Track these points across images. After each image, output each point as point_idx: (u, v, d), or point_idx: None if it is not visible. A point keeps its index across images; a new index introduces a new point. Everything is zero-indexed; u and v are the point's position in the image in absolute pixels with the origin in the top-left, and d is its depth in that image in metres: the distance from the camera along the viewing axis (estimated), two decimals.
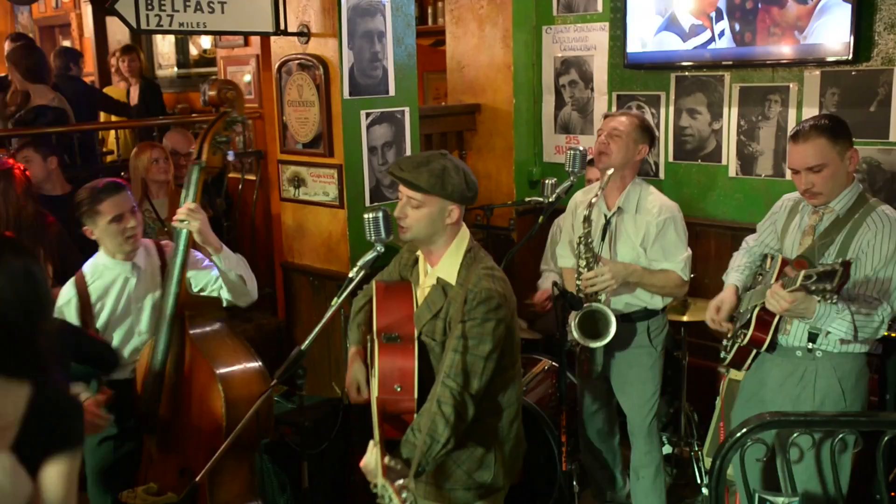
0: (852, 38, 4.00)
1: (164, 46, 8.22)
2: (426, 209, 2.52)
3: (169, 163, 4.51)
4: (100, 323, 3.18)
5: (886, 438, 2.47)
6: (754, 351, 3.04)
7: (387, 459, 2.26)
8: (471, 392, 2.44)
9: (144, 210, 4.45)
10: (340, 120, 4.08)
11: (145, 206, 4.45)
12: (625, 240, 3.49)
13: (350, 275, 2.54)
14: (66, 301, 3.16)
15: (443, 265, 2.59)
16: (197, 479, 2.53)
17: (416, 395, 2.46)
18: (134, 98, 6.49)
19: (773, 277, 2.93)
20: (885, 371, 3.20)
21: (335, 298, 2.53)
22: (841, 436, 2.59)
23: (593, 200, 3.43)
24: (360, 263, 2.53)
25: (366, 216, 2.55)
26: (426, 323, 2.57)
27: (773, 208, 3.21)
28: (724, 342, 3.22)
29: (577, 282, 3.47)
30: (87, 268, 3.23)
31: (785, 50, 4.24)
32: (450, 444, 2.43)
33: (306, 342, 2.53)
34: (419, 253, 2.72)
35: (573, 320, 3.37)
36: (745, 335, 2.99)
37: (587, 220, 3.43)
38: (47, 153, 4.31)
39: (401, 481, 2.04)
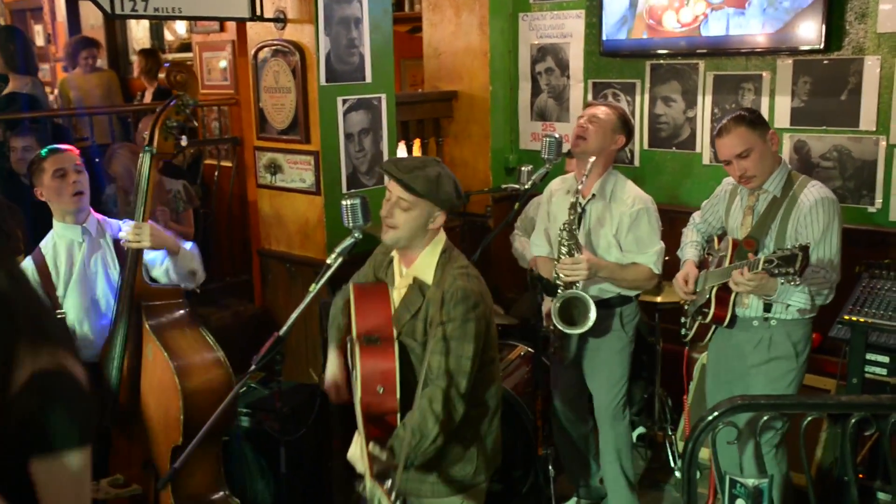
0: (824, 27, 4.06)
1: (139, 32, 8.15)
2: (415, 212, 2.54)
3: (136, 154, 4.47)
4: (59, 290, 3.17)
5: (853, 421, 2.52)
6: (714, 326, 3.33)
7: (371, 446, 2.29)
8: (460, 392, 2.47)
9: (130, 201, 4.42)
10: (317, 106, 4.07)
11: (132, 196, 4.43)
12: (597, 227, 3.51)
13: (328, 261, 2.54)
14: (24, 269, 3.17)
15: (418, 265, 2.62)
16: (176, 464, 2.53)
17: (398, 396, 2.47)
18: (147, 100, 6.42)
19: (728, 258, 3.19)
20: (851, 355, 3.26)
21: (313, 285, 2.53)
22: (810, 418, 2.64)
23: (579, 187, 3.44)
24: (337, 250, 2.54)
25: (343, 203, 2.55)
26: (405, 324, 2.59)
27: (715, 191, 3.49)
28: (683, 320, 3.50)
29: (555, 267, 3.49)
30: (44, 239, 3.24)
31: (758, 39, 4.29)
32: (438, 441, 2.45)
33: (284, 328, 2.53)
34: (394, 254, 2.73)
35: (554, 306, 3.39)
36: (706, 314, 3.27)
37: (574, 206, 3.44)
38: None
39: (388, 482, 2.07)
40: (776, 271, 2.75)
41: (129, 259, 3.03)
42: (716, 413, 2.60)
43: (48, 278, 3.15)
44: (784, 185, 3.15)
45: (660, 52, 4.67)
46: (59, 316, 3.13)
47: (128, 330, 3.01)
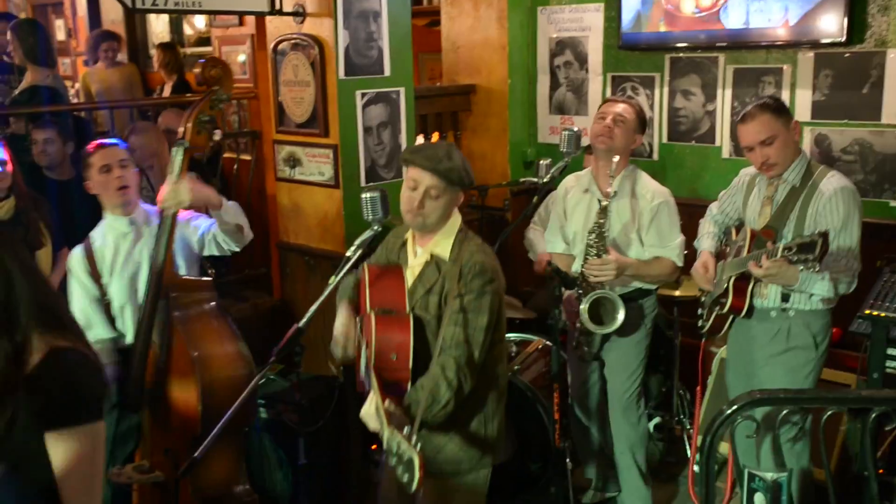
0: (846, 20, 4.03)
1: (159, 26, 8.18)
2: (445, 199, 2.58)
3: (146, 151, 4.48)
4: (105, 278, 3.26)
5: (874, 415, 2.50)
6: (731, 317, 3.32)
7: (387, 403, 2.35)
8: (473, 362, 2.52)
9: (142, 188, 4.45)
10: (336, 100, 4.09)
11: (143, 183, 4.45)
12: (619, 225, 3.52)
13: (347, 254, 2.57)
14: (75, 257, 3.28)
15: (436, 243, 2.64)
16: (196, 454, 2.56)
17: (410, 366, 2.52)
18: (166, 93, 6.46)
19: (746, 249, 3.17)
20: (872, 350, 3.24)
21: (332, 277, 2.56)
22: (830, 412, 2.62)
23: (609, 189, 3.44)
24: (357, 242, 2.56)
25: (363, 196, 2.57)
26: (419, 298, 2.62)
27: (732, 183, 3.48)
28: (700, 311, 3.49)
29: (582, 266, 3.51)
30: (95, 229, 3.34)
31: (779, 31, 4.26)
32: (449, 407, 2.50)
33: (304, 320, 2.56)
34: (408, 236, 2.75)
35: (583, 306, 3.42)
36: (723, 304, 3.26)
37: (604, 210, 3.45)
38: (67, 138, 4.35)
39: (407, 429, 2.12)
40: (795, 258, 2.75)
41: (161, 248, 3.03)
42: (734, 407, 2.59)
43: (94, 266, 3.24)
44: (804, 175, 3.15)
45: (679, 45, 4.65)
46: (105, 303, 3.24)
47: (154, 316, 3.04)
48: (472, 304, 2.52)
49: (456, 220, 2.67)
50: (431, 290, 2.61)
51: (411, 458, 2.08)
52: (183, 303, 3.07)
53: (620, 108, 3.52)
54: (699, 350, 4.20)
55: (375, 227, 2.58)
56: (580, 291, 3.51)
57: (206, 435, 2.63)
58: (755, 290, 3.21)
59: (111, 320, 3.27)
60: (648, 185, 3.54)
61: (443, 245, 2.63)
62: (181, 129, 3.12)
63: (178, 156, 3.04)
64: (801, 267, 2.84)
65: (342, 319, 2.80)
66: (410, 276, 2.68)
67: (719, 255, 3.43)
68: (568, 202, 3.67)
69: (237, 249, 3.31)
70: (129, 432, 3.22)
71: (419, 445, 2.11)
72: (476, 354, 2.53)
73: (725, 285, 3.26)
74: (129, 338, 3.23)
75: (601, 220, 3.45)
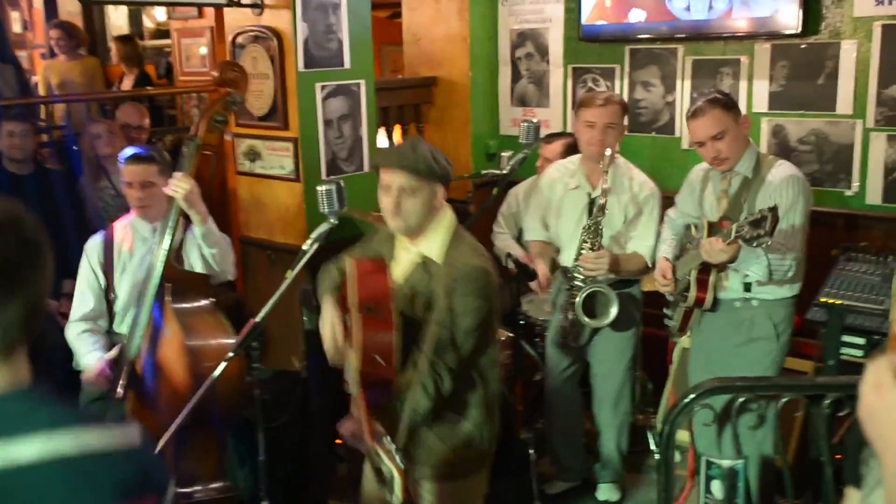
0: (801, 11, 4.07)
1: (118, 19, 8.08)
2: (422, 195, 2.46)
3: (114, 136, 4.46)
4: (116, 273, 3.28)
5: (828, 402, 2.54)
6: (697, 311, 3.35)
7: (374, 423, 2.28)
8: (449, 365, 2.43)
9: (103, 187, 4.40)
10: (295, 93, 4.05)
11: (104, 183, 4.40)
12: (608, 220, 3.54)
13: (303, 247, 2.55)
14: (92, 244, 3.31)
15: (426, 241, 2.54)
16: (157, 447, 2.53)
17: (395, 367, 2.42)
18: (127, 86, 6.37)
19: (705, 237, 3.17)
20: (827, 337, 3.29)
21: (289, 271, 2.55)
22: (786, 399, 2.66)
23: (604, 186, 3.44)
24: (313, 236, 2.55)
25: (319, 189, 2.56)
26: (406, 298, 2.54)
27: (686, 181, 3.51)
28: (667, 311, 3.51)
29: (575, 260, 3.53)
30: (120, 221, 3.38)
31: (737, 23, 4.30)
32: (428, 416, 2.46)
33: (261, 314, 2.55)
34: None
35: (578, 300, 3.45)
36: (686, 297, 3.28)
37: (602, 209, 3.45)
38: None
39: (388, 443, 2.09)
40: (748, 236, 2.78)
41: (167, 237, 3.06)
42: (692, 395, 2.62)
43: (110, 260, 3.28)
44: (754, 167, 3.21)
45: (639, 36, 4.67)
46: (109, 298, 3.28)
47: (153, 307, 3.06)
48: (460, 306, 2.43)
49: (446, 217, 2.56)
50: (418, 291, 2.53)
51: (392, 474, 2.05)
52: (181, 293, 3.09)
53: (607, 113, 3.46)
54: (661, 340, 4.24)
55: (332, 220, 2.56)
56: (571, 284, 3.54)
57: (194, 425, 2.66)
58: (717, 283, 3.24)
59: (111, 316, 3.29)
60: (636, 178, 3.59)
61: (434, 246, 2.53)
62: (194, 127, 3.17)
63: (188, 150, 3.09)
64: (755, 245, 2.84)
65: (328, 317, 2.66)
66: (399, 272, 2.59)
67: (680, 257, 3.46)
68: (553, 193, 3.68)
69: (213, 282, 3.29)
70: (115, 421, 3.18)
71: (400, 460, 2.05)
72: (455, 357, 2.44)
73: (688, 279, 3.29)
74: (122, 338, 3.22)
75: (599, 217, 3.46)
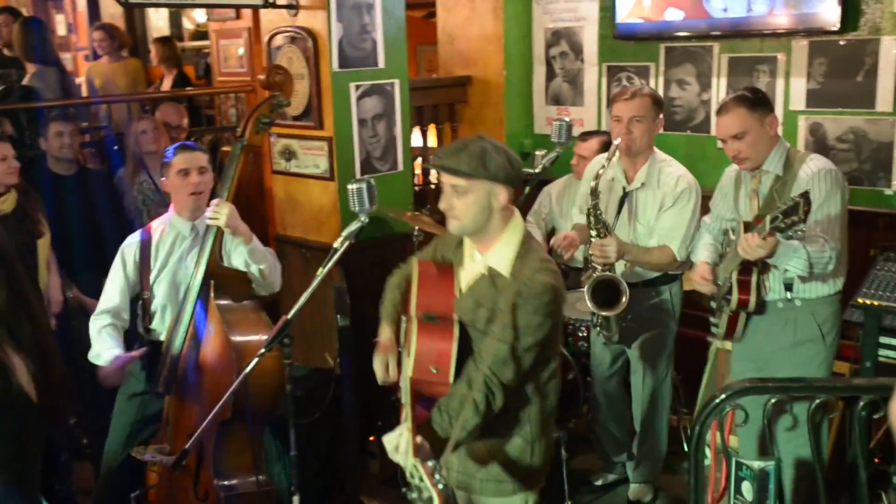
0: (840, 7, 4.01)
1: (159, 21, 8.21)
2: (472, 195, 2.37)
3: (159, 133, 4.54)
4: (153, 273, 3.31)
5: (862, 403, 2.51)
6: (743, 315, 3.19)
7: (418, 439, 2.22)
8: (504, 382, 2.34)
9: (142, 181, 4.49)
10: (330, 92, 4.09)
11: (143, 177, 4.49)
12: (642, 215, 3.53)
13: (334, 245, 2.57)
14: (130, 244, 3.33)
15: (495, 253, 2.44)
16: (187, 446, 2.58)
17: (451, 380, 2.33)
18: (166, 87, 6.49)
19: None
20: (864, 338, 3.24)
21: (320, 268, 2.57)
22: (819, 400, 2.63)
23: (600, 172, 3.44)
24: (344, 234, 2.57)
25: (350, 187, 2.58)
26: (468, 309, 2.45)
27: (719, 183, 3.42)
28: (713, 319, 3.37)
29: (589, 250, 3.52)
30: (157, 220, 3.41)
31: (774, 20, 4.25)
32: (476, 432, 2.36)
33: (292, 311, 2.58)
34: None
35: (587, 290, 3.43)
36: (730, 300, 3.15)
37: (594, 192, 3.44)
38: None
39: (431, 463, 1.97)
40: (782, 225, 2.70)
41: (207, 251, 3.12)
42: (723, 396, 2.60)
43: (147, 260, 3.30)
44: (785, 164, 3.13)
45: (674, 34, 4.64)
46: (144, 297, 3.29)
47: (196, 304, 3.11)
48: (522, 321, 2.33)
49: (516, 228, 2.46)
50: (482, 304, 2.43)
51: (431, 497, 1.95)
52: (224, 290, 3.14)
53: (635, 106, 3.43)
54: (695, 340, 4.21)
55: (363, 219, 2.58)
56: (589, 273, 3.53)
57: (232, 419, 2.74)
58: (760, 284, 3.11)
59: (150, 316, 3.31)
60: (674, 172, 3.53)
61: (503, 258, 2.43)
62: (240, 128, 3.24)
63: (236, 151, 3.17)
64: (790, 232, 2.78)
65: (382, 349, 2.60)
66: (464, 280, 2.52)
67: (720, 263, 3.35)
68: (598, 186, 3.66)
69: (264, 294, 3.32)
70: (154, 416, 3.28)
71: (442, 484, 1.95)
72: (511, 374, 2.35)
73: (729, 283, 3.17)
74: (160, 335, 3.28)
75: (595, 201, 3.43)
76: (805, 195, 2.66)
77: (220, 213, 3.08)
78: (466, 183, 2.36)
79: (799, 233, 2.78)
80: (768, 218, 2.76)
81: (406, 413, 2.32)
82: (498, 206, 2.40)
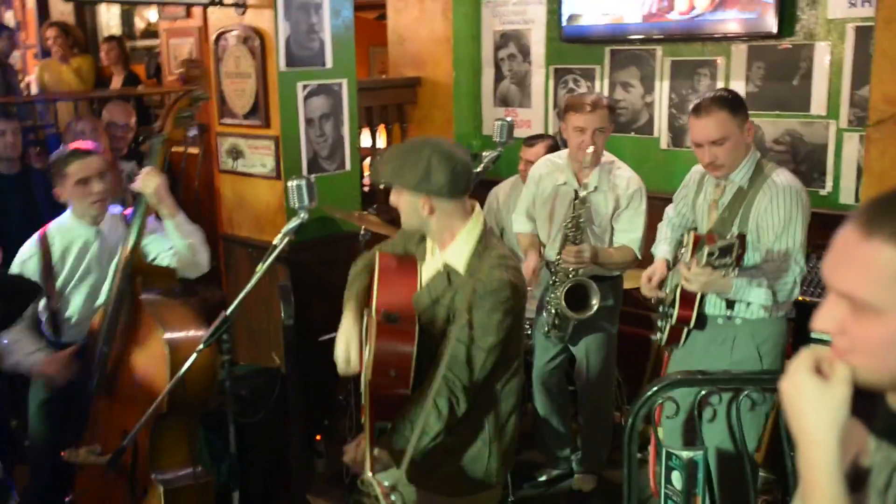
0: (777, 13, 4.12)
1: (111, 19, 8.11)
2: (404, 199, 2.35)
3: (98, 134, 4.49)
4: (59, 282, 3.20)
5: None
6: (685, 328, 3.09)
7: (375, 451, 2.19)
8: (467, 385, 2.30)
9: None
10: (277, 91, 4.10)
11: None
12: (596, 217, 3.60)
13: (274, 242, 2.59)
14: (28, 256, 3.19)
15: (452, 251, 2.39)
16: (124, 442, 2.58)
17: (410, 383, 2.29)
18: (115, 86, 6.42)
19: (689, 254, 2.95)
20: (797, 334, 3.34)
21: (259, 265, 2.58)
22: (746, 393, 2.71)
23: (585, 182, 3.53)
24: (283, 231, 2.58)
25: (289, 183, 2.60)
26: (425, 308, 2.41)
27: (683, 180, 3.30)
28: (659, 323, 3.31)
29: (558, 254, 3.57)
30: (52, 226, 3.26)
31: (715, 25, 4.35)
32: (439, 438, 2.32)
33: (230, 308, 2.58)
34: None
35: (560, 293, 3.49)
36: (672, 315, 3.07)
37: (583, 201, 3.48)
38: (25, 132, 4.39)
39: (388, 483, 1.93)
40: (716, 264, 2.61)
41: (133, 232, 3.04)
42: (655, 388, 2.67)
43: (49, 269, 3.18)
44: (752, 176, 2.93)
45: (619, 38, 4.72)
46: (53, 307, 3.18)
47: (122, 302, 3.04)
48: (482, 321, 2.27)
49: (475, 227, 2.39)
50: (439, 302, 2.39)
51: None
52: (151, 286, 3.09)
53: (598, 117, 3.45)
54: (636, 338, 4.29)
55: (302, 215, 2.59)
56: (554, 279, 3.59)
57: (172, 414, 2.70)
58: (703, 299, 2.98)
59: (61, 325, 3.21)
60: (624, 175, 3.62)
61: (460, 255, 2.37)
62: (160, 123, 3.19)
63: (156, 145, 3.11)
64: (724, 272, 2.69)
65: (344, 332, 2.52)
66: (424, 275, 2.48)
67: (676, 261, 3.25)
68: (541, 189, 3.72)
69: (188, 275, 3.25)
70: (79, 416, 3.21)
71: (397, 500, 1.91)
72: (474, 376, 2.30)
73: (672, 295, 3.06)
74: (81, 336, 3.20)
75: (580, 211, 3.49)
76: (741, 237, 2.64)
77: (150, 180, 2.99)
78: (395, 189, 2.36)
79: (732, 274, 2.70)
80: (706, 251, 2.64)
81: (364, 420, 2.28)
82: (427, 210, 2.33)
